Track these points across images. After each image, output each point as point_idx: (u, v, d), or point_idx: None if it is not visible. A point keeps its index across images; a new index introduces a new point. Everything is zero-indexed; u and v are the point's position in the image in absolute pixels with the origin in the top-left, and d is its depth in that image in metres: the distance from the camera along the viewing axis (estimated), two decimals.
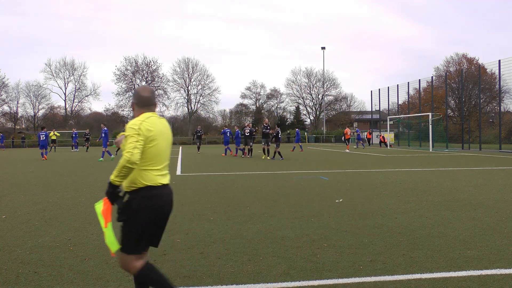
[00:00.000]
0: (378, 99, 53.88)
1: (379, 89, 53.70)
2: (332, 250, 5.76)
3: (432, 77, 49.96)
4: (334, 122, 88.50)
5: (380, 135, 47.95)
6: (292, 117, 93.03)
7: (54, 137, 42.55)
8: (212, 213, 8.44)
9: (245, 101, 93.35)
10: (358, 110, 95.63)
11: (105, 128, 26.74)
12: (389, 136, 47.05)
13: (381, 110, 61.97)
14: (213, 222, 7.57)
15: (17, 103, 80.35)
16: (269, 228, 7.10)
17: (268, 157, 25.34)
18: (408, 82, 48.99)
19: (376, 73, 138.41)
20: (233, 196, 10.45)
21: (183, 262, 5.29)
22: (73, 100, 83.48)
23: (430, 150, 36.62)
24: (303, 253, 5.62)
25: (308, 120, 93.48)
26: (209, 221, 7.70)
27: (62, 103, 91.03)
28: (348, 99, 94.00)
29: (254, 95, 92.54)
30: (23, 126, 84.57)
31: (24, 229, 7.23)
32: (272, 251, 5.73)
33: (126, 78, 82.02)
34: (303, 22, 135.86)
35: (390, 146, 45.60)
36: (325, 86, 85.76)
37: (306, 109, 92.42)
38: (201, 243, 6.17)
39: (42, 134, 29.79)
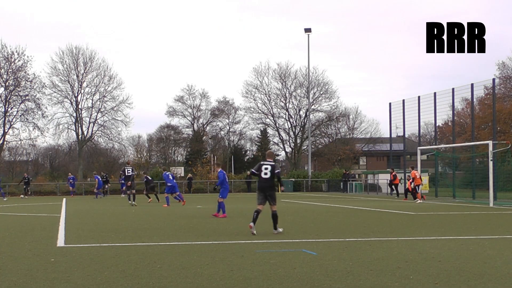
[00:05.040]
0: (402, 117, 35.61)
1: (403, 100, 35.44)
2: None
3: (493, 79, 32.80)
4: (327, 157, 60.72)
5: (413, 172, 28.24)
6: (255, 148, 66.52)
7: None
8: None
9: (175, 121, 64.15)
10: (368, 136, 64.66)
11: None
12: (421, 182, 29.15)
13: (406, 136, 41.46)
14: None
15: None
16: None
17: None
18: (453, 89, 31.73)
19: (396, 71, 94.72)
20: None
21: None
22: None
23: (491, 205, 26.39)
24: None
25: (283, 152, 64.76)
26: None
27: None
28: (351, 116, 63.58)
29: (189, 110, 63.16)
30: None
31: None
32: None
33: None
34: None
35: (420, 198, 27.52)
36: (311, 95, 56.23)
37: (279, 134, 62.36)
38: None
39: None
